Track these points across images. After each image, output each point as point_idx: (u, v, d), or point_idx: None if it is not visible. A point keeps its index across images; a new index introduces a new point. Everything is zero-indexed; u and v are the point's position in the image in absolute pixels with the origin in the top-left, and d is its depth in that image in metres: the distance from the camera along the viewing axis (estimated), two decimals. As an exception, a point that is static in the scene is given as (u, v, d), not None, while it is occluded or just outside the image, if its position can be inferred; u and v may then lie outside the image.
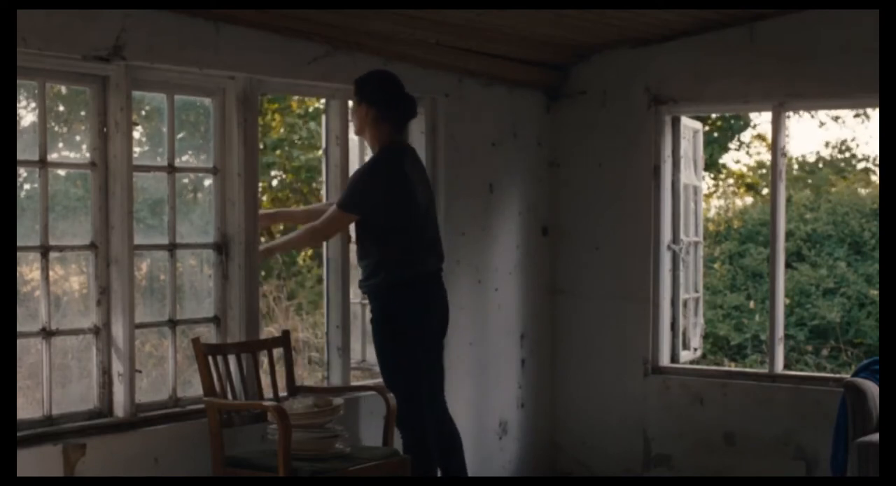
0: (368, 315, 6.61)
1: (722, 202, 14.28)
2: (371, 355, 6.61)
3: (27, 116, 6.97)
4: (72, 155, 6.20)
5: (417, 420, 5.24)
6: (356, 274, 6.49)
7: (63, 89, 6.02)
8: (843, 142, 14.59)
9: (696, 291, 7.37)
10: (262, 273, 9.89)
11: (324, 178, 6.18)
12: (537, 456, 7.22)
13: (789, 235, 11.36)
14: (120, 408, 5.14)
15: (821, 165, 14.60)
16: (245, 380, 5.54)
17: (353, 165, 6.46)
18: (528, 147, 7.18)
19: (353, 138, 6.48)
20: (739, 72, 6.68)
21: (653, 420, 7.00)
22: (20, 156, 4.78)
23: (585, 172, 7.20)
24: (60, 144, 6.92)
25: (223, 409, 5.22)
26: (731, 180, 14.67)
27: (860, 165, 14.55)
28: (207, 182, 5.63)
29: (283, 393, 5.72)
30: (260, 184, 6.08)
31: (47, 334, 4.96)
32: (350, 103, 5.81)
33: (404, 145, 5.58)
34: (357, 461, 5.20)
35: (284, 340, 5.75)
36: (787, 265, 10.76)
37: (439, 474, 5.56)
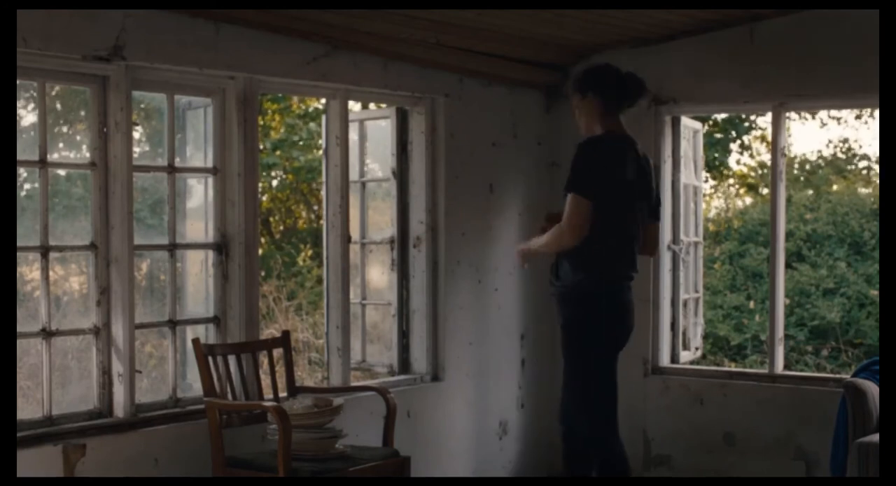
0: (371, 317, 6.63)
1: (722, 202, 14.27)
2: (370, 356, 6.62)
3: (27, 116, 6.98)
4: (72, 155, 6.21)
5: (562, 419, 5.43)
6: (356, 274, 6.50)
7: (60, 88, 6.02)
8: (845, 141, 14.58)
9: (696, 291, 7.36)
10: (262, 273, 9.90)
11: (324, 178, 6.17)
12: (537, 456, 7.21)
13: (789, 235, 11.36)
14: (120, 408, 5.14)
15: (821, 164, 14.59)
16: (245, 380, 5.53)
17: (353, 166, 6.45)
18: (528, 147, 7.17)
19: (353, 138, 6.47)
20: (739, 72, 6.67)
21: (653, 420, 6.99)
22: (20, 156, 4.78)
23: (585, 173, 7.18)
24: (60, 144, 6.92)
25: (223, 409, 5.22)
26: (731, 180, 14.66)
27: (861, 165, 14.53)
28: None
29: (283, 393, 5.72)
30: (260, 184, 6.08)
31: (47, 334, 4.95)
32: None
33: (625, 135, 5.29)
34: (357, 461, 5.20)
35: (284, 340, 5.75)
36: (787, 265, 10.76)
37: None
